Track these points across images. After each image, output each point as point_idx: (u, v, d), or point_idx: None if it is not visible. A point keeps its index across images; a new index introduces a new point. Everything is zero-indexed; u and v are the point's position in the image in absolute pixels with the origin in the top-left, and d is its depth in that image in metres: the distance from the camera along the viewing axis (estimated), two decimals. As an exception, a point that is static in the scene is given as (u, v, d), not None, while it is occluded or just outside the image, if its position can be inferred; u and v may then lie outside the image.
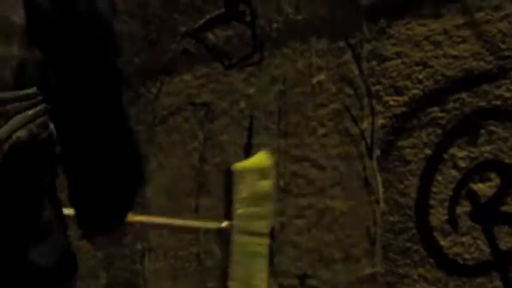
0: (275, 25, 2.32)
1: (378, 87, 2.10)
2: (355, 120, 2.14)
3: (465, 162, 1.96)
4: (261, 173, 1.64)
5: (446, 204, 1.98)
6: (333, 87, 2.18)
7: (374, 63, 2.11)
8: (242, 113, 2.36)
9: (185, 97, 2.49)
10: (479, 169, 1.94)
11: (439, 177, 1.99)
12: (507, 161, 1.90)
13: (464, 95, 1.97)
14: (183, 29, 2.52)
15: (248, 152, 2.32)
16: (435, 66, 2.02)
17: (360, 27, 2.14)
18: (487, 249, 1.91)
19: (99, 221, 1.18)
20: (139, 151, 1.14)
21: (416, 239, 2.01)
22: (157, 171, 2.52)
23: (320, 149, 2.19)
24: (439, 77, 2.01)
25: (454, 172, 1.97)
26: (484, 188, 1.93)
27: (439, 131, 2.00)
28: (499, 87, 1.93)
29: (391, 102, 2.08)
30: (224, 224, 1.69)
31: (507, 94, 1.92)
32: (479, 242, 1.93)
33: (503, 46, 1.93)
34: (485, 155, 1.93)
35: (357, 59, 2.14)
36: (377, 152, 2.09)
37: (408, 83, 2.06)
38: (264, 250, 1.63)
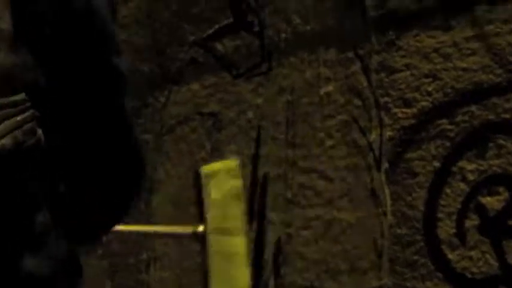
0: (283, 35, 2.32)
1: (386, 99, 2.10)
2: (363, 132, 2.13)
3: (474, 175, 1.95)
4: (228, 173, 1.64)
5: (454, 217, 1.97)
6: (341, 98, 2.18)
7: (383, 74, 2.11)
8: (250, 123, 2.35)
9: (193, 106, 2.49)
10: (488, 182, 1.93)
11: (448, 190, 1.98)
12: (516, 174, 1.90)
13: (473, 107, 1.96)
14: (192, 38, 2.52)
15: (255, 163, 2.31)
16: (444, 79, 2.01)
17: (369, 39, 2.13)
18: (495, 264, 1.90)
19: (88, 224, 1.14)
20: (139, 154, 1.10)
21: (424, 252, 2.00)
22: (164, 180, 2.51)
23: (328, 160, 2.18)
24: (448, 90, 2.01)
25: (462, 185, 1.96)
26: (493, 202, 1.92)
27: (448, 144, 1.99)
28: (508, 100, 1.92)
29: (400, 114, 2.07)
30: (200, 228, 1.68)
31: (516, 107, 1.91)
32: (487, 256, 1.91)
33: (512, 59, 1.93)
34: (494, 168, 1.92)
35: (366, 70, 2.14)
36: (385, 164, 2.08)
37: (417, 95, 2.05)
38: (241, 249, 1.62)
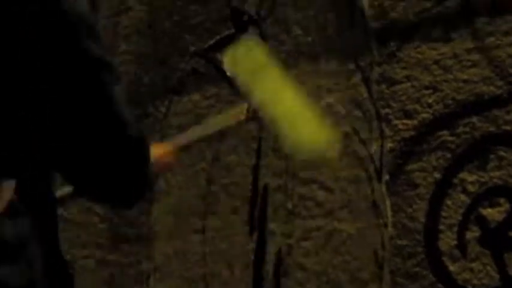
0: (284, 46, 2.32)
1: (387, 110, 2.10)
2: (364, 143, 2.13)
3: (474, 187, 1.95)
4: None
5: (455, 229, 1.97)
6: (342, 110, 2.18)
7: (383, 86, 2.11)
8: (250, 134, 2.35)
9: (194, 117, 2.49)
10: (489, 194, 1.93)
11: (448, 202, 1.98)
12: (517, 186, 1.90)
13: (474, 119, 1.97)
14: (193, 49, 2.52)
15: (256, 174, 2.31)
16: (445, 90, 2.02)
17: (370, 50, 2.14)
18: (496, 275, 1.90)
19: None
20: (135, 147, 1.09)
21: (425, 264, 2.00)
22: (165, 191, 2.51)
23: (328, 172, 2.18)
24: (449, 101, 2.01)
25: (463, 197, 1.97)
26: (494, 213, 1.92)
27: (449, 155, 1.99)
28: (509, 112, 1.92)
29: (400, 126, 2.08)
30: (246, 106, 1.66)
31: (517, 119, 1.92)
32: (488, 267, 1.91)
33: (513, 71, 1.93)
34: (495, 180, 1.92)
35: (367, 81, 2.14)
36: (386, 176, 2.09)
37: (418, 107, 2.05)
38: (297, 105, 1.61)
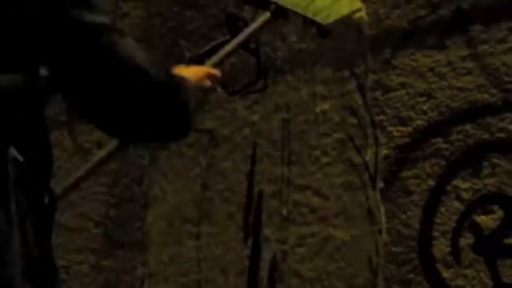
0: (279, 53, 2.33)
1: (381, 117, 2.11)
2: (359, 150, 2.14)
3: (468, 194, 1.96)
4: None
5: (449, 235, 1.97)
6: (337, 117, 2.19)
7: (378, 93, 2.12)
8: (245, 140, 2.36)
9: (189, 123, 2.49)
10: (483, 201, 1.94)
11: (442, 209, 1.99)
12: (510, 193, 1.90)
13: (468, 126, 1.97)
14: (188, 54, 2.53)
15: (251, 180, 2.32)
16: (439, 98, 2.02)
17: (365, 57, 2.14)
18: (489, 282, 1.91)
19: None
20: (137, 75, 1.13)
21: (418, 270, 2.00)
22: (160, 197, 2.51)
23: (323, 178, 2.19)
24: (443, 109, 2.02)
25: (457, 204, 1.97)
26: (487, 220, 1.93)
27: (443, 163, 2.00)
28: (502, 119, 1.93)
29: (395, 133, 2.08)
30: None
31: (511, 127, 1.92)
32: (482, 274, 1.92)
33: (507, 79, 1.94)
34: (489, 187, 1.93)
35: (361, 88, 2.15)
36: (380, 182, 2.09)
37: (412, 114, 2.06)
38: None
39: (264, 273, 2.25)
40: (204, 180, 2.44)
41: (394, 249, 2.05)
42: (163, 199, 2.51)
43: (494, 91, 1.95)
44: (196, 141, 2.47)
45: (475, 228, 1.94)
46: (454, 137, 1.99)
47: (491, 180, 1.93)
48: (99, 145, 2.68)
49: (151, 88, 1.13)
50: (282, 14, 1.72)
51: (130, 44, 1.13)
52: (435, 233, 1.99)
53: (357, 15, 1.73)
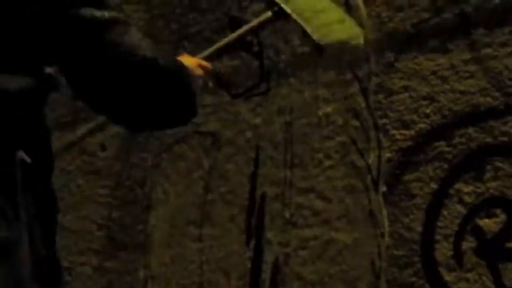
0: (282, 56, 2.33)
1: (384, 120, 2.11)
2: (362, 153, 2.14)
3: (471, 197, 1.96)
4: None
5: (451, 239, 1.97)
6: (340, 120, 2.19)
7: (381, 96, 2.12)
8: (248, 143, 2.36)
9: (192, 125, 2.49)
10: (485, 205, 1.94)
11: (445, 212, 1.99)
12: (513, 197, 1.90)
13: (470, 130, 1.97)
14: (191, 57, 2.53)
15: (254, 182, 2.32)
16: (442, 101, 2.02)
17: (368, 61, 2.15)
18: (492, 286, 1.91)
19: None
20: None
21: (421, 273, 2.00)
22: (162, 199, 2.52)
23: (326, 181, 2.19)
24: (446, 112, 2.02)
25: (459, 207, 1.97)
26: (490, 224, 1.93)
27: (445, 166, 2.00)
28: (505, 123, 1.93)
29: (398, 136, 2.08)
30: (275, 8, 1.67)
31: (514, 130, 1.92)
32: (484, 278, 1.92)
33: (509, 82, 1.94)
34: (491, 190, 1.93)
35: (364, 92, 2.15)
36: (383, 186, 2.09)
37: (415, 117, 2.06)
38: (327, 3, 1.61)
39: (266, 275, 2.26)
40: (206, 183, 2.44)
41: (396, 252, 2.05)
42: (165, 201, 2.51)
43: (497, 94, 1.95)
44: (199, 143, 2.48)
45: (478, 231, 1.94)
46: (456, 140, 1.99)
47: (493, 184, 1.93)
48: (103, 147, 2.68)
49: (160, 75, 1.17)
50: (284, 16, 1.73)
51: (136, 35, 1.14)
52: (437, 237, 1.99)
53: (354, 41, 1.75)
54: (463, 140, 1.98)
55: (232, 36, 1.70)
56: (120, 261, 2.58)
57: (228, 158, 2.40)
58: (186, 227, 2.44)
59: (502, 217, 1.92)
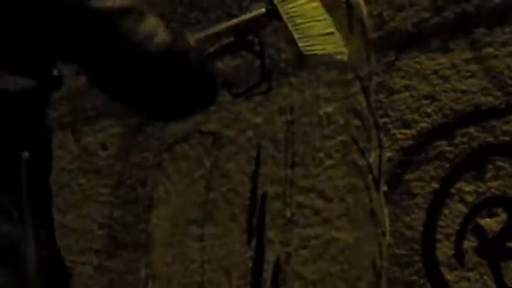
0: (283, 55, 2.33)
1: (385, 120, 2.11)
2: (363, 153, 2.14)
3: (472, 196, 1.96)
4: None
5: (452, 238, 1.97)
6: (341, 119, 2.19)
7: (382, 95, 2.12)
8: (249, 142, 2.36)
9: (193, 125, 2.50)
10: (486, 204, 1.94)
11: (446, 211, 1.99)
12: (514, 196, 1.91)
13: (472, 129, 1.97)
14: (192, 56, 2.53)
15: (255, 182, 2.32)
16: (443, 100, 2.02)
17: (369, 60, 2.15)
18: (493, 285, 1.91)
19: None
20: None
21: (422, 273, 2.00)
22: (163, 198, 2.52)
23: (327, 180, 2.19)
24: (447, 111, 2.02)
25: (460, 206, 1.97)
26: (491, 223, 1.93)
27: (446, 165, 2.00)
28: (506, 122, 1.93)
29: (399, 135, 2.08)
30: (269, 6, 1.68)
31: (515, 130, 1.92)
32: (485, 277, 1.92)
33: (510, 82, 1.94)
34: (492, 190, 1.93)
35: (365, 91, 2.15)
36: (384, 185, 2.09)
37: (416, 117, 2.06)
38: (321, 12, 1.62)
39: (267, 275, 2.26)
40: (207, 182, 2.44)
41: (397, 251, 2.05)
42: (167, 200, 2.51)
43: (498, 94, 1.95)
44: (200, 143, 2.48)
45: (479, 231, 1.94)
46: (458, 139, 1.99)
47: (495, 183, 1.93)
48: (104, 146, 2.68)
49: (176, 62, 1.16)
50: (277, 16, 1.73)
51: (151, 22, 1.14)
52: (439, 236, 1.99)
53: (338, 56, 1.75)
54: (464, 139, 1.98)
55: (225, 24, 1.70)
56: (122, 260, 2.58)
57: (229, 157, 2.40)
58: (188, 226, 2.45)
59: (503, 216, 1.92)
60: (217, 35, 1.70)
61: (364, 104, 2.15)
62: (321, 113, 2.22)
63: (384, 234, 2.08)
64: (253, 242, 2.29)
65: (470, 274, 1.94)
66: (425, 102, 2.05)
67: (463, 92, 2.00)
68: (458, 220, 1.97)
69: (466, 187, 1.97)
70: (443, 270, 1.98)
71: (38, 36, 1.05)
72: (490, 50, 1.97)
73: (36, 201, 1.03)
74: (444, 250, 1.98)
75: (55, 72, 1.09)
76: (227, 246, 2.34)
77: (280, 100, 2.32)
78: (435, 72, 2.04)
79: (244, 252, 2.31)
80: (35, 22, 1.05)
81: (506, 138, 1.92)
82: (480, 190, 1.95)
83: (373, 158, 2.12)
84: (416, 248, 2.02)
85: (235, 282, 2.31)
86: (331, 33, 1.70)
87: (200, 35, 1.63)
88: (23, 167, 1.00)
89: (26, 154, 1.01)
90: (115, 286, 2.61)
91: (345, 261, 2.13)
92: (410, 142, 2.06)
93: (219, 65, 2.48)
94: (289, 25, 1.66)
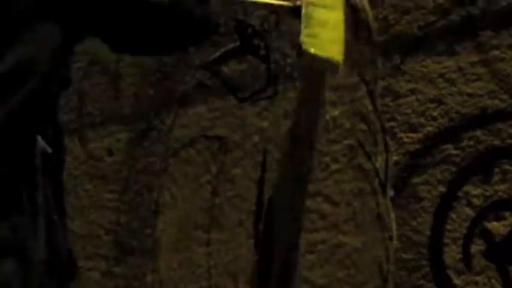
0: (289, 59, 2.33)
1: (391, 123, 2.11)
2: (369, 156, 2.13)
3: (479, 200, 1.95)
4: None
5: (460, 242, 1.96)
6: (347, 123, 2.18)
7: (388, 99, 2.12)
8: (255, 147, 2.36)
9: (199, 130, 2.50)
10: (494, 207, 1.93)
11: (453, 215, 1.98)
12: (522, 200, 1.90)
13: (478, 133, 1.97)
14: (198, 61, 2.53)
15: (261, 186, 2.32)
16: (450, 104, 2.02)
17: (374, 64, 2.14)
18: (501, 289, 1.90)
19: None
20: None
21: (429, 277, 1.99)
22: (169, 203, 2.52)
23: (333, 185, 2.18)
24: (454, 115, 2.01)
25: (468, 210, 1.96)
26: (499, 227, 1.92)
27: (453, 169, 1.99)
28: (513, 125, 1.93)
29: (405, 139, 2.08)
30: (298, 2, 1.71)
31: (522, 133, 1.92)
32: (493, 281, 1.91)
33: (517, 84, 1.93)
34: (500, 193, 1.92)
35: (371, 95, 2.14)
36: (390, 189, 2.09)
37: (422, 120, 2.06)
38: (339, 19, 1.65)
39: (273, 280, 2.25)
40: (214, 187, 2.44)
41: (404, 255, 2.05)
42: (173, 206, 2.51)
43: (504, 97, 1.94)
44: (206, 148, 2.48)
45: (486, 234, 1.93)
46: (464, 143, 1.99)
47: (502, 187, 1.92)
48: (110, 152, 2.68)
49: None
50: (298, 14, 1.74)
51: None
52: (446, 240, 1.99)
53: (331, 66, 1.77)
54: (471, 142, 1.98)
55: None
56: (128, 266, 2.58)
57: (236, 162, 2.39)
58: (194, 231, 2.44)
59: (511, 220, 1.91)
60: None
61: (370, 107, 2.14)
62: (327, 117, 2.22)
63: (390, 238, 2.07)
64: (260, 247, 2.29)
65: (478, 278, 1.93)
66: (432, 105, 2.05)
67: (470, 95, 1.99)
68: (466, 224, 1.96)
69: (473, 191, 1.96)
70: (451, 274, 1.97)
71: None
72: (496, 52, 1.96)
73: (51, 196, 1.04)
74: (452, 254, 1.97)
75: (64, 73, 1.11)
76: (233, 251, 2.34)
77: (286, 104, 2.31)
78: (441, 75, 2.04)
79: (251, 257, 2.30)
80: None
81: (513, 141, 1.92)
82: (487, 194, 1.94)
83: (379, 162, 2.11)
84: (424, 252, 2.01)
85: (242, 287, 2.31)
86: (338, 42, 1.70)
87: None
88: (39, 157, 1.01)
89: (42, 143, 1.02)
90: (122, 292, 2.61)
91: (351, 266, 2.13)
92: (417, 146, 2.05)
93: (225, 69, 2.48)
94: (304, 23, 1.68)
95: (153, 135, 2.59)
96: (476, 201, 1.96)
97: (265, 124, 2.35)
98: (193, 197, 2.47)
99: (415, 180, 2.04)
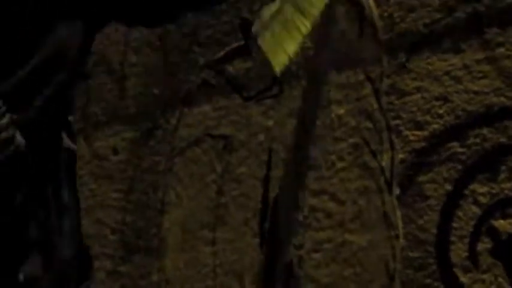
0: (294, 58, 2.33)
1: (397, 121, 2.10)
2: (375, 155, 2.13)
3: (486, 198, 1.95)
4: None
5: (466, 240, 1.96)
6: (352, 121, 2.18)
7: (393, 97, 2.11)
8: (261, 146, 2.36)
9: (204, 129, 2.50)
10: (500, 205, 1.92)
11: (460, 213, 1.98)
12: (528, 197, 1.89)
13: (484, 130, 1.96)
14: (203, 60, 2.53)
15: (267, 185, 2.31)
16: (455, 101, 2.01)
17: (380, 61, 2.14)
18: (508, 287, 1.89)
19: None
20: None
21: (436, 275, 1.99)
22: (175, 203, 2.52)
23: (339, 183, 2.18)
24: (460, 112, 2.01)
25: (474, 208, 1.96)
26: (505, 225, 1.92)
27: (459, 167, 1.99)
28: (520, 123, 1.92)
29: (411, 137, 2.07)
30: None
31: (528, 130, 1.91)
32: (500, 279, 1.90)
33: (524, 82, 1.93)
34: (506, 191, 1.92)
35: (377, 93, 2.14)
36: (396, 187, 2.08)
37: (428, 118, 2.05)
38: (304, 29, 1.65)
39: (279, 279, 2.25)
40: (219, 186, 2.44)
41: (411, 254, 2.04)
42: (178, 205, 2.51)
43: (511, 94, 1.93)
44: (211, 147, 2.48)
45: (493, 232, 1.93)
46: (470, 141, 1.98)
47: (508, 185, 1.92)
48: (115, 151, 2.69)
49: None
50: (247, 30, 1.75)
51: None
52: (452, 238, 1.98)
53: (277, 66, 1.79)
54: (477, 140, 1.97)
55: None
56: (134, 265, 2.58)
57: (241, 161, 2.39)
58: (200, 230, 2.44)
59: (518, 218, 1.90)
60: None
61: (375, 106, 2.14)
62: (333, 115, 2.22)
63: (397, 236, 2.06)
64: (265, 246, 2.28)
65: (484, 276, 1.93)
66: (437, 103, 2.04)
67: (476, 92, 1.98)
68: (472, 222, 1.96)
69: (480, 188, 1.95)
70: (458, 272, 1.97)
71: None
72: (502, 50, 1.95)
73: (74, 193, 1.04)
74: (458, 252, 1.97)
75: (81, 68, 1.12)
76: (239, 250, 2.34)
77: (292, 103, 2.31)
78: (447, 73, 2.03)
79: (256, 256, 2.30)
80: None
81: (520, 138, 1.91)
82: (494, 191, 1.93)
83: (385, 160, 2.11)
84: (430, 250, 2.01)
85: (248, 286, 2.30)
86: (288, 49, 1.70)
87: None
88: (63, 154, 1.01)
89: (66, 140, 1.02)
90: (128, 291, 2.61)
91: (357, 264, 2.12)
92: (423, 144, 2.05)
93: (230, 68, 2.48)
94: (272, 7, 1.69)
95: (158, 134, 2.59)
96: (482, 199, 1.95)
97: (270, 123, 2.35)
98: (199, 196, 2.47)
99: (421, 178, 2.04)
